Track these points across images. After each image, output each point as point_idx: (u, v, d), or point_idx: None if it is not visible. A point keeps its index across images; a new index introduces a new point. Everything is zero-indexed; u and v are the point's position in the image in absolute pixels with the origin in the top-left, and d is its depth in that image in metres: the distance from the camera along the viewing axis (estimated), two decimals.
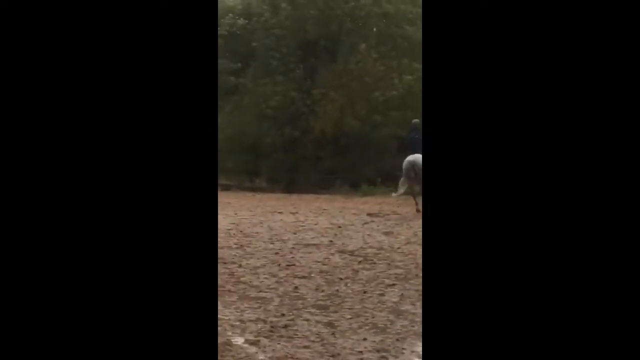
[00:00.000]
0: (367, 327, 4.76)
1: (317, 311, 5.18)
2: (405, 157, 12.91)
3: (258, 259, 7.58)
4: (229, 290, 5.82)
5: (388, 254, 7.86)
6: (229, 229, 10.38)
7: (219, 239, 9.02)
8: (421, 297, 4.65)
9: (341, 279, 6.47)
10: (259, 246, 8.57)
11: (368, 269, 6.99)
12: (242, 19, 26.50)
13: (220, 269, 6.84)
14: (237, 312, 5.09)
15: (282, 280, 6.38)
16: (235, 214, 13.22)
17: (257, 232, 10.04)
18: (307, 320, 4.90)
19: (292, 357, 4.09)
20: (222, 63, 28.62)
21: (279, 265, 7.19)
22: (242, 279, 6.39)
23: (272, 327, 4.68)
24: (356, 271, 6.87)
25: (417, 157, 12.47)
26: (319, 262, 7.40)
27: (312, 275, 6.64)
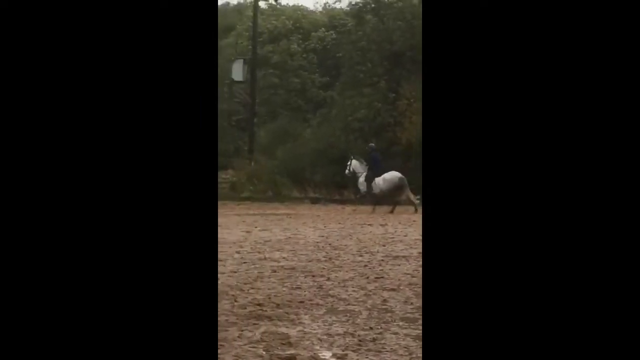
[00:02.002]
0: None
1: (406, 324, 5.09)
2: (373, 174, 17.28)
3: (346, 271, 7.54)
4: (317, 304, 5.79)
5: None
6: (317, 242, 10.39)
7: (308, 252, 9.05)
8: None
9: None
10: (348, 259, 8.53)
11: None
12: (333, 32, 26.67)
13: (309, 281, 6.85)
14: (325, 325, 5.05)
15: (370, 293, 6.31)
16: (325, 226, 13.24)
17: (345, 245, 10.01)
18: (396, 333, 4.82)
19: None
20: (313, 77, 28.91)
21: (368, 277, 7.13)
22: (330, 292, 6.35)
23: (360, 340, 4.61)
24: None
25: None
26: (408, 274, 7.30)
27: (401, 287, 6.55)
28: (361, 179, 17.70)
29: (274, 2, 29.13)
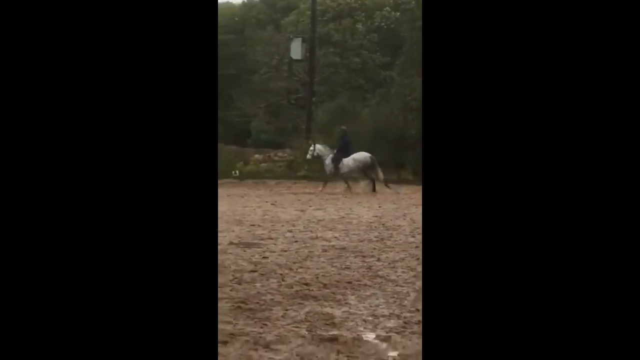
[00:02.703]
0: None
1: None
2: (342, 155, 17.97)
3: (397, 252, 7.47)
4: (365, 285, 5.75)
5: None
6: (370, 222, 10.34)
7: (360, 232, 9.01)
8: None
9: None
10: (400, 239, 8.46)
11: None
12: (397, 13, 26.40)
13: (358, 262, 6.82)
14: (371, 306, 5.01)
15: (420, 274, 6.23)
16: (379, 206, 13.18)
17: (399, 225, 9.93)
18: None
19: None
20: (374, 57, 28.68)
21: (418, 259, 7.02)
22: (379, 272, 6.30)
23: (405, 322, 4.56)
24: None
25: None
26: None
27: None
28: (327, 161, 18.38)
29: None
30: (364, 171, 18.11)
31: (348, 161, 18.09)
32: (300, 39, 24.98)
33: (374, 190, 17.38)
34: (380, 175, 17.91)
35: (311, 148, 19.07)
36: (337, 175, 18.26)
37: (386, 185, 17.50)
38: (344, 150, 18.34)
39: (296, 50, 24.81)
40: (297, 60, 25.71)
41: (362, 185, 18.10)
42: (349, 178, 18.09)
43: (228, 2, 38.30)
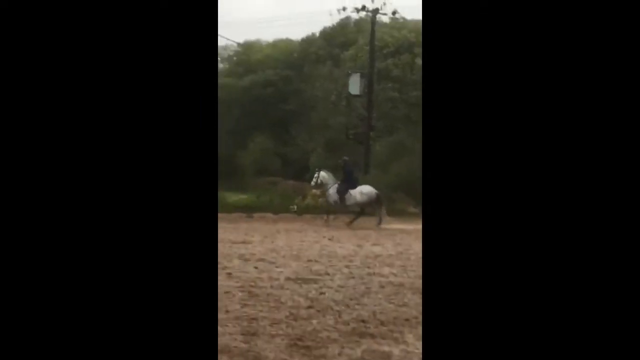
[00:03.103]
0: None
1: None
2: (347, 186, 17.58)
3: None
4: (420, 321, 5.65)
5: None
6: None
7: (418, 268, 8.88)
8: None
9: None
10: None
11: None
12: None
13: (416, 298, 6.69)
14: None
15: None
16: None
17: None
18: None
19: None
20: None
21: None
22: None
23: None
24: None
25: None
26: None
27: None
28: (331, 191, 17.92)
29: (393, 16, 29.12)
30: (368, 205, 17.62)
31: (355, 193, 17.58)
32: (358, 74, 25.05)
33: (378, 224, 17.01)
34: (384, 213, 17.41)
35: (315, 175, 18.70)
36: (341, 206, 17.79)
37: (348, 223, 16.96)
38: (348, 181, 17.87)
39: (354, 85, 24.88)
40: (355, 96, 25.79)
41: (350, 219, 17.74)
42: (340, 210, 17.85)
43: (288, 39, 38.83)
